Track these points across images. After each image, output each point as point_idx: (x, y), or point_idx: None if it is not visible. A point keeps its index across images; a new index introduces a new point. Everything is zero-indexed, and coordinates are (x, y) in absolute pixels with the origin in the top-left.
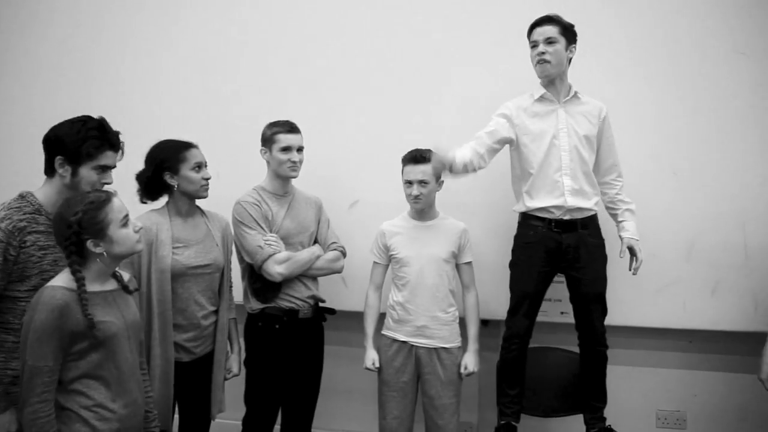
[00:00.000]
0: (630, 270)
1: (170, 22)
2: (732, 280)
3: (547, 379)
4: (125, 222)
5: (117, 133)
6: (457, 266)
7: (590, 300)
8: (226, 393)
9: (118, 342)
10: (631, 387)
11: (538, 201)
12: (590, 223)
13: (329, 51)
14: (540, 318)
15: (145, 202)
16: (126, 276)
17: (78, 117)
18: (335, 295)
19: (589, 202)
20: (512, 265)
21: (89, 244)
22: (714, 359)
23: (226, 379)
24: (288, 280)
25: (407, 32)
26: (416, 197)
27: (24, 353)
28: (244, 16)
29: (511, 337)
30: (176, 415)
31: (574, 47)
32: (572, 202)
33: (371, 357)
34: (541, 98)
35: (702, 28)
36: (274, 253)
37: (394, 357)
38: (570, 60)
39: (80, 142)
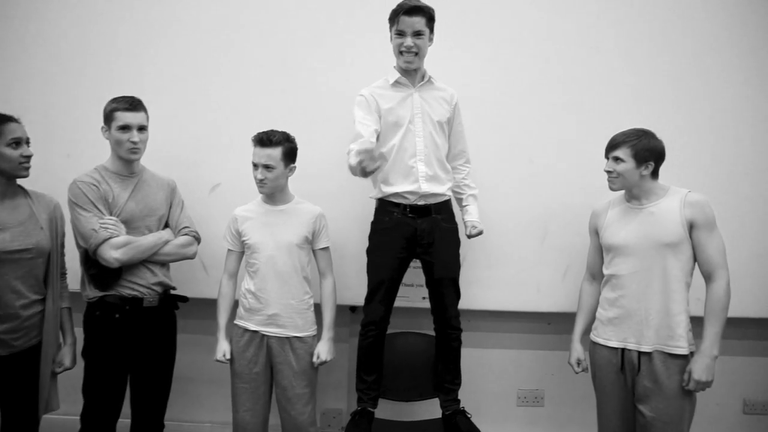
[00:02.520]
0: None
1: None
2: (581, 264)
3: (407, 364)
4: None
5: None
6: (314, 252)
7: (443, 284)
8: (64, 386)
9: None
10: (493, 368)
11: (393, 187)
12: (444, 208)
13: (191, 23)
14: (402, 303)
15: None
16: None
17: None
18: (195, 282)
19: (443, 188)
20: (369, 251)
21: None
22: (569, 340)
23: (56, 373)
24: (131, 267)
25: (273, 14)
26: (261, 181)
27: None
28: None
29: (368, 324)
30: None
31: (433, 35)
32: (427, 188)
33: (222, 348)
34: (396, 83)
35: (556, 22)
36: (110, 237)
37: (246, 348)
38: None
39: None
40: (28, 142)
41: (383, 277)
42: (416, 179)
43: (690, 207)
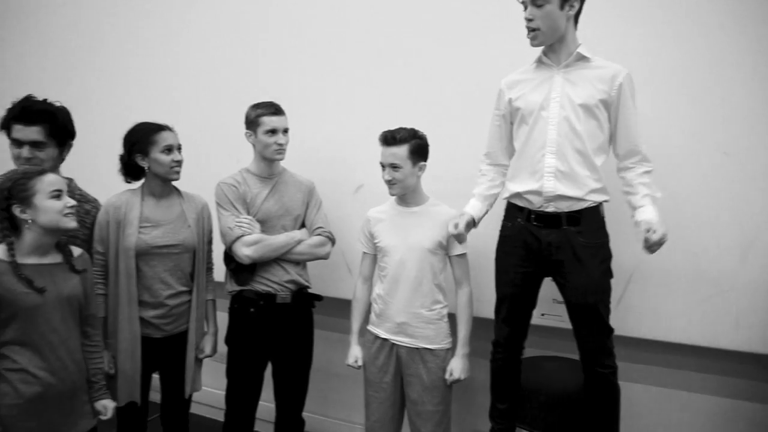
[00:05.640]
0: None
1: (159, 15)
2: None
3: (554, 393)
4: (55, 195)
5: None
6: (449, 258)
7: (577, 312)
8: (212, 365)
9: (42, 313)
10: (689, 416)
11: (517, 185)
12: (582, 218)
13: (332, 25)
14: (555, 323)
15: (129, 182)
16: (77, 252)
17: None
18: (339, 282)
19: (581, 190)
20: (495, 261)
21: (15, 209)
22: None
23: (199, 358)
24: (265, 264)
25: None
26: (388, 182)
27: None
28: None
29: (495, 345)
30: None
31: (576, 2)
32: (553, 186)
33: (354, 354)
34: (540, 63)
35: None
36: (242, 235)
37: (376, 355)
38: (573, 18)
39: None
40: (179, 149)
41: (503, 293)
42: (542, 175)
43: None
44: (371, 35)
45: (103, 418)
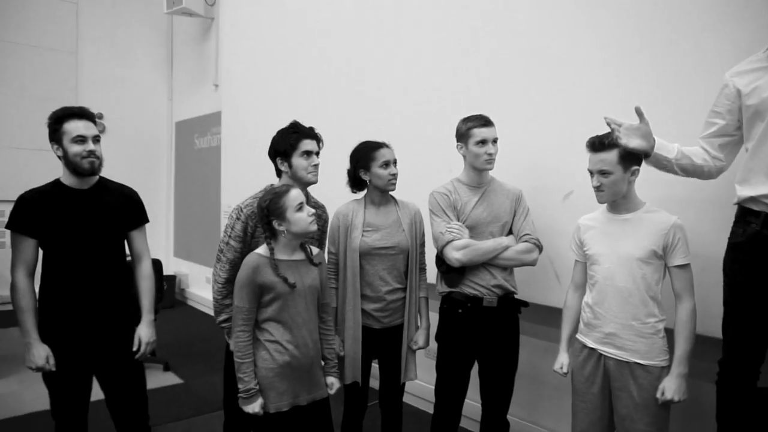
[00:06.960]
0: None
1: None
2: None
3: None
4: (300, 207)
5: (311, 128)
6: (669, 270)
7: None
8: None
9: (292, 299)
10: None
11: (749, 189)
12: None
13: (538, 35)
14: None
15: (354, 192)
16: (315, 251)
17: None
18: (547, 289)
19: None
20: (723, 271)
21: (274, 223)
22: None
23: (413, 349)
24: (473, 268)
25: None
26: (597, 188)
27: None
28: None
29: (722, 365)
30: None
31: None
32: None
33: (561, 360)
34: None
35: None
36: (453, 240)
37: (583, 364)
38: None
39: (283, 140)
40: (395, 163)
41: (733, 307)
42: None
43: None
44: (581, 41)
45: (329, 392)
